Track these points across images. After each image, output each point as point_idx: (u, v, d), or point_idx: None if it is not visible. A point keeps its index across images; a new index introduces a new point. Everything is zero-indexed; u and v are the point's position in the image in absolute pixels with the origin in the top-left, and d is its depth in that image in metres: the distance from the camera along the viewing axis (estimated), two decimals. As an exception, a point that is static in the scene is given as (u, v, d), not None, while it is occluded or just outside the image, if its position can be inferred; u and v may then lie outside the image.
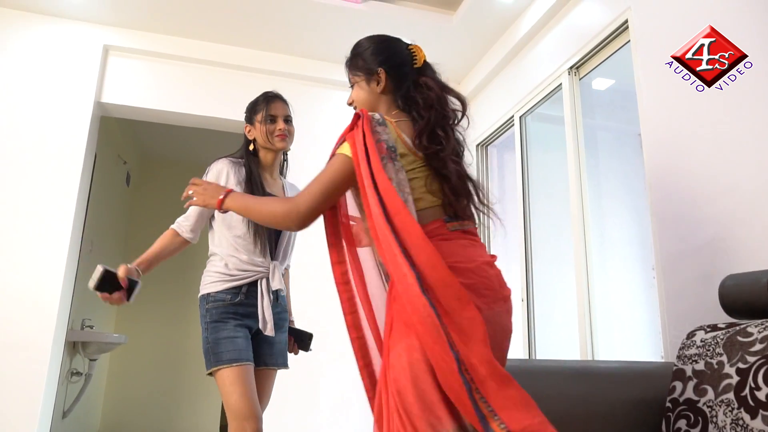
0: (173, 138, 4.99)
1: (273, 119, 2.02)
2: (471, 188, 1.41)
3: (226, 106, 3.59)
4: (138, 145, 5.32)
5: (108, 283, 1.74)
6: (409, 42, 1.54)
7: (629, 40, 2.52)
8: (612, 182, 3.25)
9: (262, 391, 1.97)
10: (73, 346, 3.76)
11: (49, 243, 3.12)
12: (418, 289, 1.13)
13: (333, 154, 1.37)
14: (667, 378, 1.65)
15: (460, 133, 1.49)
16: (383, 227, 1.21)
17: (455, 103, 1.48)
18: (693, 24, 2.02)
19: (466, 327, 1.13)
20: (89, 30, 3.46)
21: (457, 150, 1.44)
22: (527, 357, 3.13)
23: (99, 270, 1.73)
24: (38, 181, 3.18)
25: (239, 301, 1.89)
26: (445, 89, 1.48)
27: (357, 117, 1.35)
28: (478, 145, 3.96)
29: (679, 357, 1.64)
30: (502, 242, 3.80)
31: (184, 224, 1.94)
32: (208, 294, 1.90)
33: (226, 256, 1.92)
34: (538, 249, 3.30)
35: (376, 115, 1.36)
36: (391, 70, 1.48)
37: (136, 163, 5.39)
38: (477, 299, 1.21)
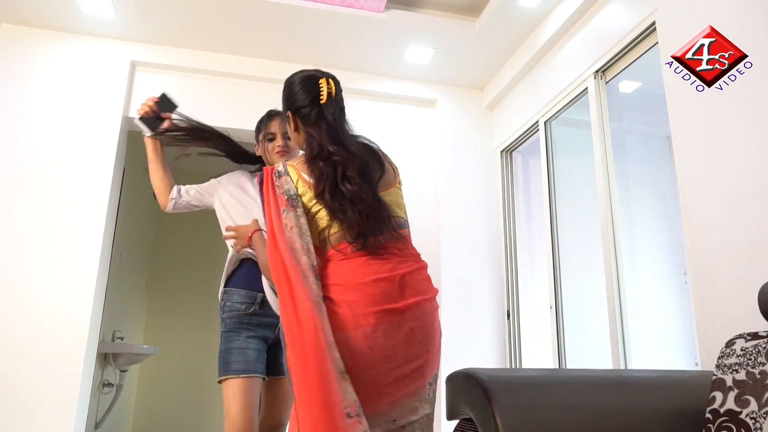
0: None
1: (272, 137, 2.09)
2: (380, 208, 1.46)
3: (253, 118, 3.57)
4: (165, 158, 5.39)
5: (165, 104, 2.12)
6: (323, 74, 1.62)
7: (657, 42, 2.47)
8: (641, 186, 3.19)
9: (287, 399, 1.97)
10: (104, 358, 3.82)
11: (81, 256, 3.18)
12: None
13: None
14: (705, 388, 1.59)
15: (384, 158, 1.60)
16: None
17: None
18: (721, 24, 1.98)
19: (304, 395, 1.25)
20: (116, 47, 3.53)
21: (364, 171, 1.49)
22: (557, 366, 3.08)
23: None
24: (69, 195, 3.24)
25: (253, 311, 1.91)
26: (341, 120, 1.60)
27: (261, 177, 1.50)
28: (502, 152, 3.92)
29: (717, 366, 1.58)
30: (527, 249, 3.76)
31: (179, 200, 2.17)
32: (224, 303, 1.95)
33: None
34: (566, 256, 3.24)
35: (279, 167, 1.51)
36: (298, 111, 1.58)
37: (164, 176, 5.46)
38: (361, 318, 1.33)
